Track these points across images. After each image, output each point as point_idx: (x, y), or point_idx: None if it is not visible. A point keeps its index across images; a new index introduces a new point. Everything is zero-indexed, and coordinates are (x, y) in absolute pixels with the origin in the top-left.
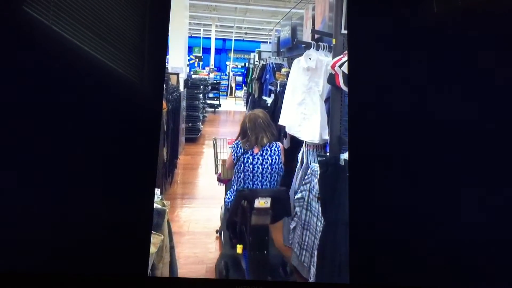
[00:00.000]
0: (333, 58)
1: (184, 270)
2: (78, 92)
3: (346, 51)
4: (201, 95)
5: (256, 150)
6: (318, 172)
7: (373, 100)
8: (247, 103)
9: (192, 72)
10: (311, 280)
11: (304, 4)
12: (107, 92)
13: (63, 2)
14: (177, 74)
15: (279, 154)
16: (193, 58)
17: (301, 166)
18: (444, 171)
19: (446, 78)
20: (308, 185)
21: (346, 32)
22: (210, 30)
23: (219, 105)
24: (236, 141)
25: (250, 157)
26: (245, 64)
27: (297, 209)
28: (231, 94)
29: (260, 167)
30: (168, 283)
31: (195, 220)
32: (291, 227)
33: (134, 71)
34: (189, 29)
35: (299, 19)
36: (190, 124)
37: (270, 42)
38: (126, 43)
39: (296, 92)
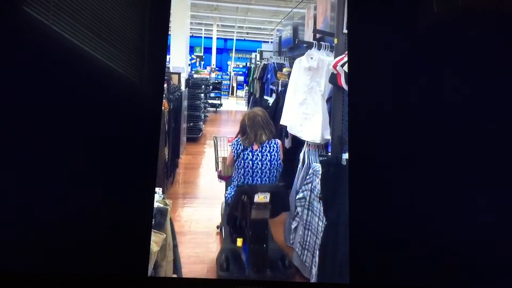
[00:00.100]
0: (334, 57)
1: (186, 269)
2: (78, 92)
3: None
4: (202, 95)
5: (255, 147)
6: (320, 172)
7: (373, 100)
8: (248, 102)
9: (193, 72)
10: (313, 280)
11: (305, 3)
12: (107, 92)
13: (63, 2)
14: (179, 74)
15: (278, 150)
16: (195, 57)
17: (303, 166)
18: (444, 171)
19: (445, 78)
20: (310, 185)
21: None
22: (212, 30)
23: (221, 104)
24: (236, 139)
25: (250, 154)
26: (246, 63)
27: (299, 209)
28: (232, 93)
29: (260, 163)
30: (168, 283)
31: (196, 220)
32: (293, 227)
33: (134, 71)
34: (191, 28)
35: (300, 18)
36: (191, 124)
37: (271, 42)
38: (126, 43)
39: (297, 92)
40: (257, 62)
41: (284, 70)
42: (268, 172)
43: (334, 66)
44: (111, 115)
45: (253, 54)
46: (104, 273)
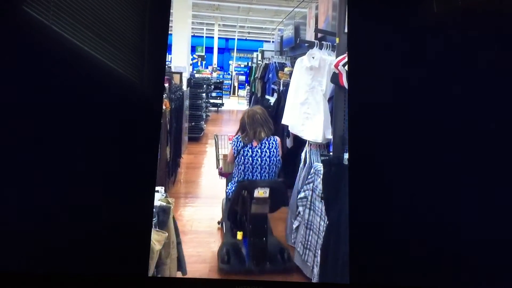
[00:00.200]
0: (336, 57)
1: (187, 269)
2: (78, 92)
3: None
4: (204, 94)
5: (255, 144)
6: (321, 172)
7: (373, 100)
8: (250, 102)
9: (195, 71)
10: (315, 279)
11: (307, 3)
12: (107, 92)
13: (63, 2)
14: (180, 73)
15: (277, 147)
16: (196, 57)
17: (304, 165)
18: (444, 170)
19: (445, 77)
20: (311, 184)
21: None
22: (213, 29)
23: (222, 104)
24: (236, 136)
25: (250, 150)
26: (248, 63)
27: (300, 208)
28: (234, 93)
29: (259, 159)
30: (168, 283)
31: (198, 219)
32: (294, 226)
33: (134, 71)
34: (192, 28)
35: (302, 18)
36: (193, 123)
37: (273, 41)
38: (126, 43)
39: (299, 92)
40: (259, 62)
41: (286, 69)
42: (267, 168)
43: (336, 66)
44: (111, 115)
45: (255, 54)
46: (104, 273)
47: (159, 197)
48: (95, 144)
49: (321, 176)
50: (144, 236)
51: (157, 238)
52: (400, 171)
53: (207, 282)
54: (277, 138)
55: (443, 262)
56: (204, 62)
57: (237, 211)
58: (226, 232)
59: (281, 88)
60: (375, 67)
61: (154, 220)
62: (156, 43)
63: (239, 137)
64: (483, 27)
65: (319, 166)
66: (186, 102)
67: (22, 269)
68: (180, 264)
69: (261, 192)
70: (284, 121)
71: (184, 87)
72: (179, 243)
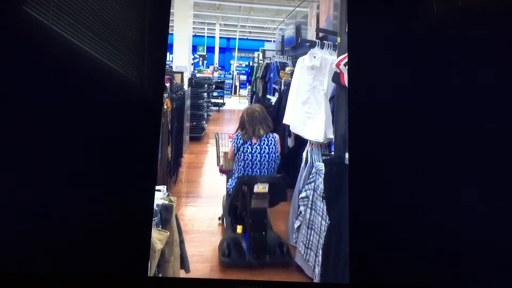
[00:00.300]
0: (337, 56)
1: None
2: (78, 92)
3: None
4: (205, 94)
5: (254, 141)
6: (323, 171)
7: (372, 100)
8: (251, 101)
9: (196, 71)
10: (316, 279)
11: (308, 2)
12: (107, 92)
13: (63, 2)
14: (182, 73)
15: (276, 144)
16: (197, 57)
17: (306, 165)
18: (445, 170)
19: (445, 77)
20: (313, 184)
21: None
22: (214, 29)
23: (223, 103)
24: (236, 134)
25: (249, 147)
26: (249, 63)
27: (302, 208)
28: (235, 93)
29: (259, 156)
30: (168, 283)
31: (199, 219)
32: (296, 226)
33: (134, 71)
34: (193, 28)
35: (303, 17)
36: (194, 123)
37: (274, 41)
38: (126, 43)
39: (300, 91)
40: (260, 61)
41: (287, 69)
42: (266, 164)
43: (337, 65)
44: (111, 114)
45: (256, 53)
46: (104, 273)
47: (161, 196)
48: (95, 143)
49: (323, 176)
50: (144, 236)
51: (158, 237)
52: (400, 171)
53: (207, 282)
54: (276, 135)
55: (443, 262)
56: (205, 62)
57: (237, 206)
58: (227, 227)
59: (282, 87)
60: (375, 67)
61: (157, 219)
62: (156, 43)
63: (239, 135)
64: (483, 27)
65: (321, 166)
66: (188, 102)
67: (22, 269)
68: (183, 262)
69: (260, 187)
70: (285, 120)
71: (186, 86)
72: (181, 241)
